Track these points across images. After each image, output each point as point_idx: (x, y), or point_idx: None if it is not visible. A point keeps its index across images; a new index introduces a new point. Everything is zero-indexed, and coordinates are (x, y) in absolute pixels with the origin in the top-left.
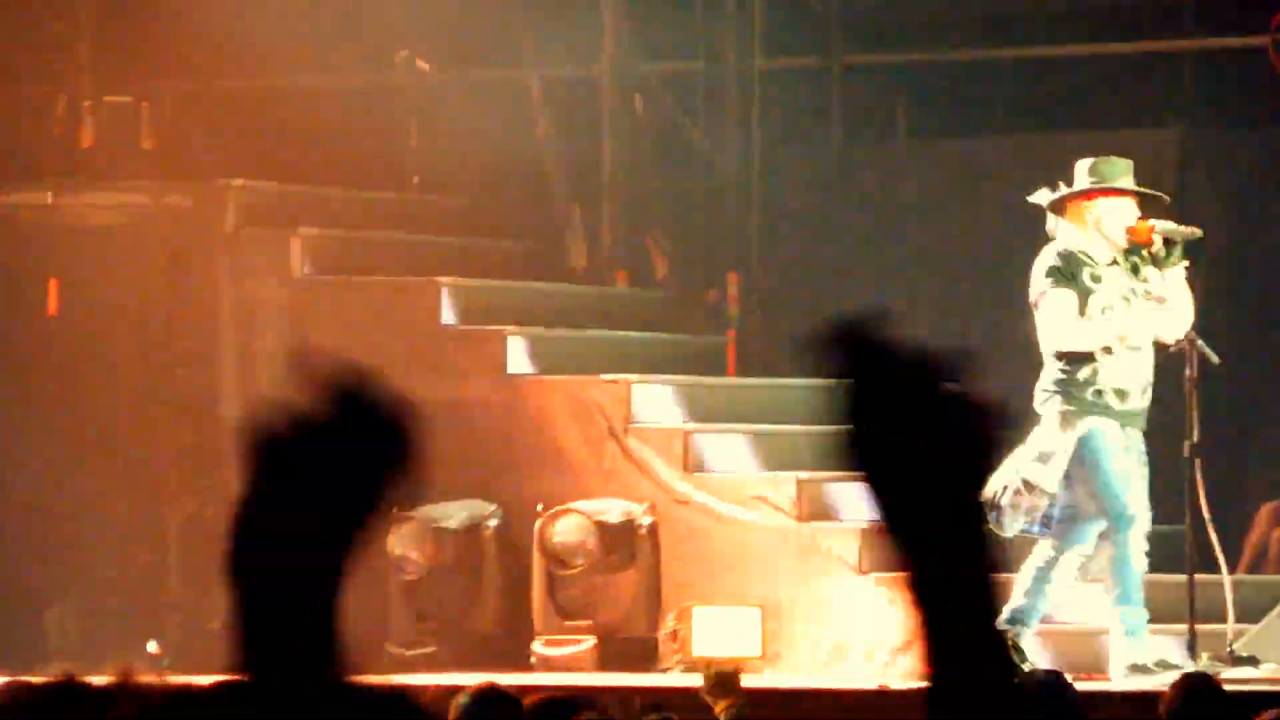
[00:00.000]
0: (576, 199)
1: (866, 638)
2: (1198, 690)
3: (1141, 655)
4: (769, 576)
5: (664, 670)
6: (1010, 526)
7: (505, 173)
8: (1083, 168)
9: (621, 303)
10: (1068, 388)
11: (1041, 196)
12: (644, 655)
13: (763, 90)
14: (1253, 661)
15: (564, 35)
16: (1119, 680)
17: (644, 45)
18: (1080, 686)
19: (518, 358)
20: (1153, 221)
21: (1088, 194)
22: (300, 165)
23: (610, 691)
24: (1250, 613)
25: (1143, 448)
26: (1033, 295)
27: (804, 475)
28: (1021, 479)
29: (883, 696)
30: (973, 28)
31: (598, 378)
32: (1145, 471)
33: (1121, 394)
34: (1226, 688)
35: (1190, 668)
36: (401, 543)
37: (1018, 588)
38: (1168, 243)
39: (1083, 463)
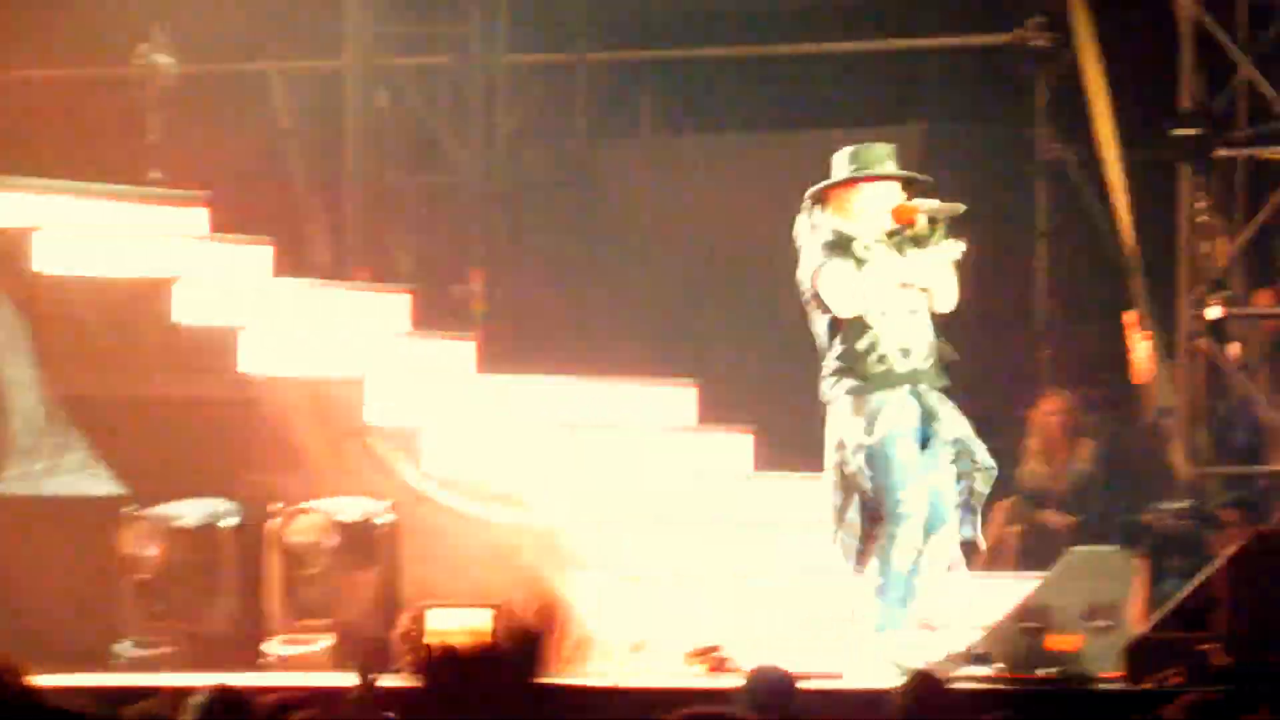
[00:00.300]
0: (319, 194)
1: (607, 635)
2: (924, 689)
3: (887, 653)
4: (510, 574)
5: (396, 671)
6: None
7: (247, 168)
8: (842, 156)
9: (363, 300)
10: (852, 362)
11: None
12: (379, 656)
13: (507, 86)
14: (984, 660)
15: (307, 29)
16: (853, 678)
17: (388, 40)
18: (816, 685)
19: (256, 355)
20: (916, 201)
21: (850, 182)
22: (36, 159)
23: (347, 691)
24: (986, 611)
25: (950, 407)
26: (806, 281)
27: (545, 473)
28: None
29: (618, 693)
30: (717, 25)
31: (337, 375)
32: (956, 431)
33: (905, 352)
34: (958, 686)
35: (921, 665)
36: (135, 541)
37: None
38: (931, 221)
39: (873, 449)
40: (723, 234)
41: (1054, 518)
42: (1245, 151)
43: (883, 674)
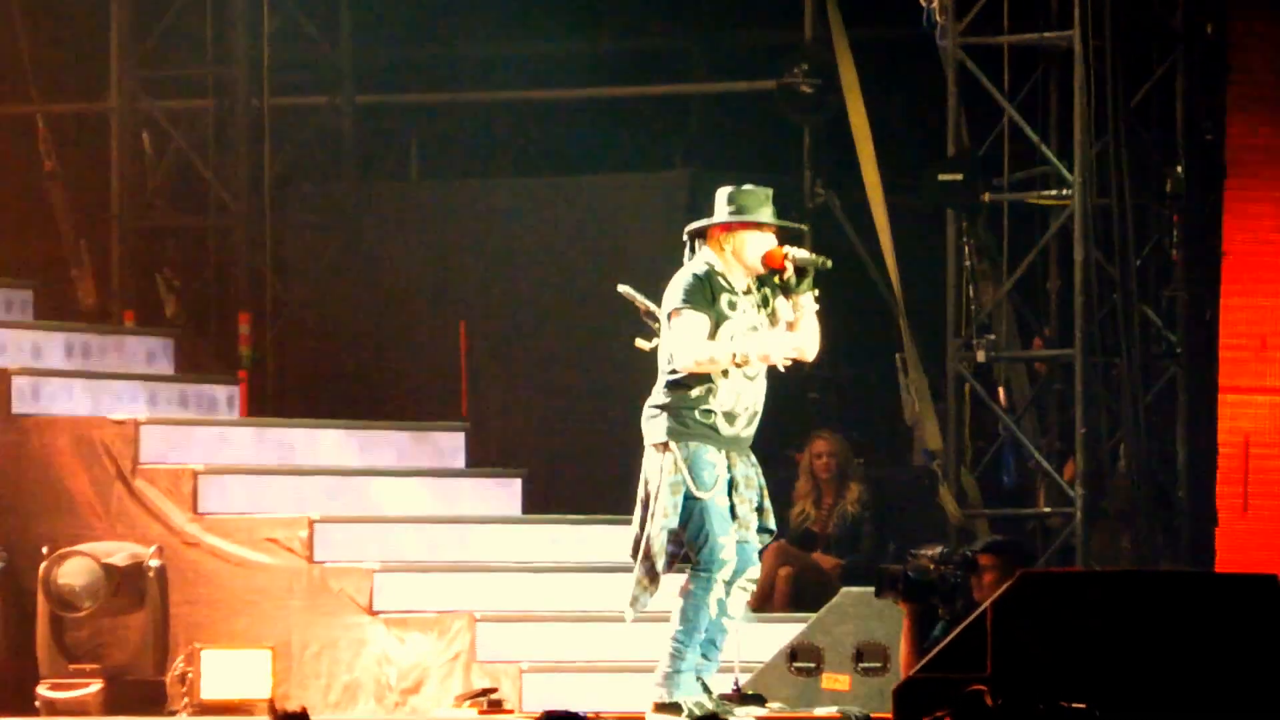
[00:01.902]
0: (84, 236)
1: (376, 678)
2: None
3: (676, 694)
4: (281, 617)
5: (172, 713)
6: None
7: (11, 210)
8: (722, 196)
9: (130, 342)
10: (678, 406)
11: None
12: (152, 698)
13: (273, 128)
14: (758, 700)
15: (72, 71)
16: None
17: (154, 82)
18: None
19: (23, 398)
20: (787, 249)
21: (727, 225)
22: None
23: None
24: (757, 651)
25: (756, 474)
26: (665, 309)
27: (315, 516)
28: (660, 529)
29: None
30: (487, 70)
31: (105, 418)
32: (755, 496)
33: (730, 418)
34: None
35: (707, 708)
36: None
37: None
38: (799, 271)
39: (691, 497)
40: (492, 278)
41: (823, 559)
42: (1010, 196)
43: (671, 714)
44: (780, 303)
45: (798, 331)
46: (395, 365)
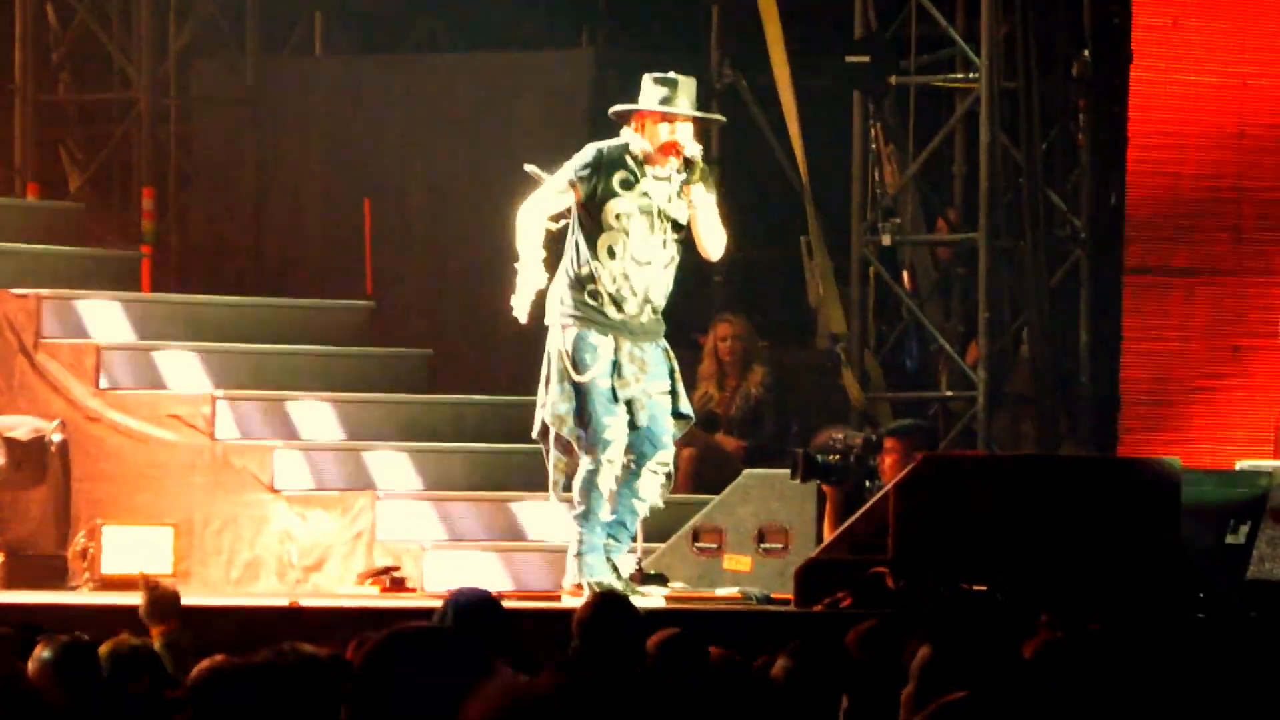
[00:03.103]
0: None
1: (279, 555)
2: (607, 608)
3: (584, 575)
4: (183, 494)
5: (73, 588)
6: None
7: None
8: (647, 82)
9: (33, 215)
10: (568, 288)
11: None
12: (53, 573)
13: (178, 2)
14: (661, 580)
15: None
16: (565, 599)
17: None
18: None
19: None
20: (681, 140)
21: (642, 113)
22: None
23: (15, 610)
24: (659, 533)
25: (660, 360)
26: None
27: (219, 393)
28: (551, 414)
29: (294, 613)
30: None
31: (7, 291)
32: (663, 386)
33: (617, 302)
34: (640, 605)
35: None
36: None
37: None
38: (687, 163)
39: (576, 383)
40: (396, 154)
41: (726, 441)
42: (917, 79)
43: (581, 594)
44: (697, 196)
45: (696, 230)
46: (299, 241)
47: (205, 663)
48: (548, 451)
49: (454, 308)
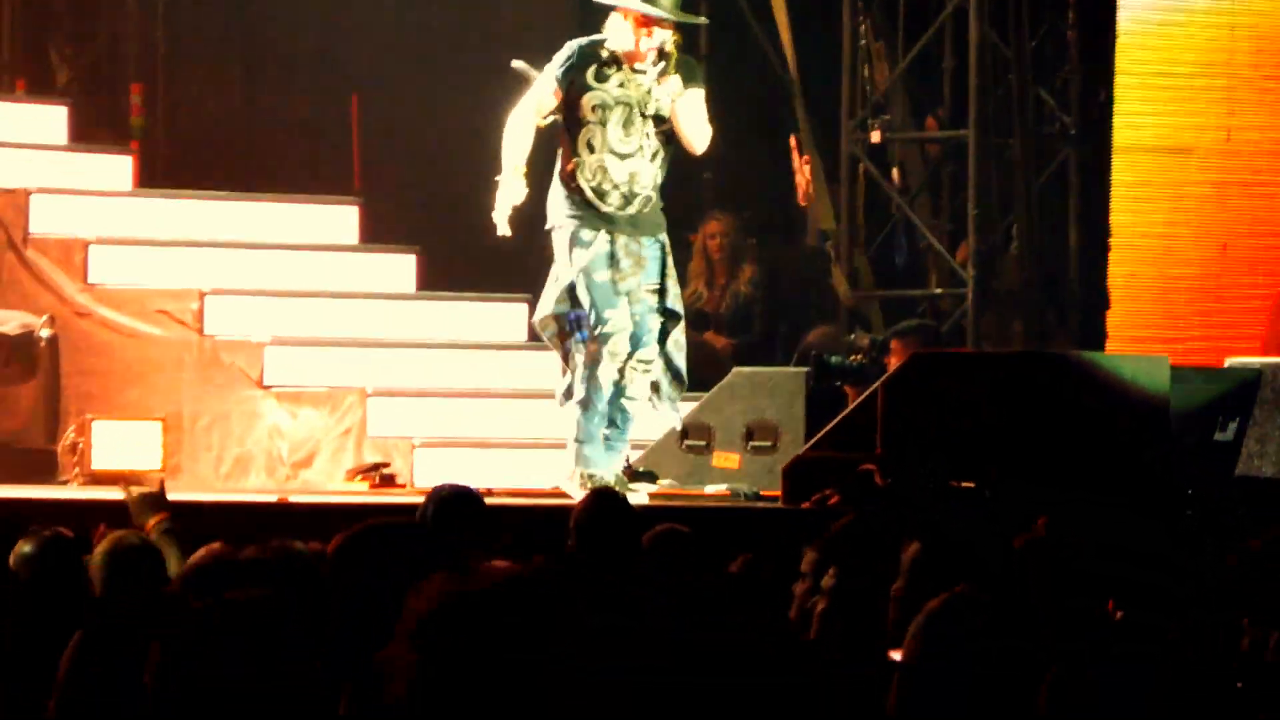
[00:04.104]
0: None
1: (268, 451)
2: (602, 504)
3: (582, 467)
4: (172, 390)
5: (63, 483)
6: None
7: None
8: None
9: (21, 112)
10: (559, 188)
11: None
12: (42, 467)
13: None
14: (650, 477)
15: None
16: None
17: None
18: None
19: None
20: (659, 33)
21: (622, 10)
22: None
23: (4, 505)
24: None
25: (652, 254)
26: None
27: (206, 288)
28: (541, 314)
29: (283, 509)
30: None
31: None
32: (652, 283)
33: (600, 194)
34: (633, 502)
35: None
36: None
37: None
38: (662, 54)
39: (573, 280)
40: (385, 49)
41: (715, 339)
42: None
43: (577, 489)
44: (660, 90)
45: (677, 124)
46: (287, 136)
47: (203, 551)
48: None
49: (443, 206)
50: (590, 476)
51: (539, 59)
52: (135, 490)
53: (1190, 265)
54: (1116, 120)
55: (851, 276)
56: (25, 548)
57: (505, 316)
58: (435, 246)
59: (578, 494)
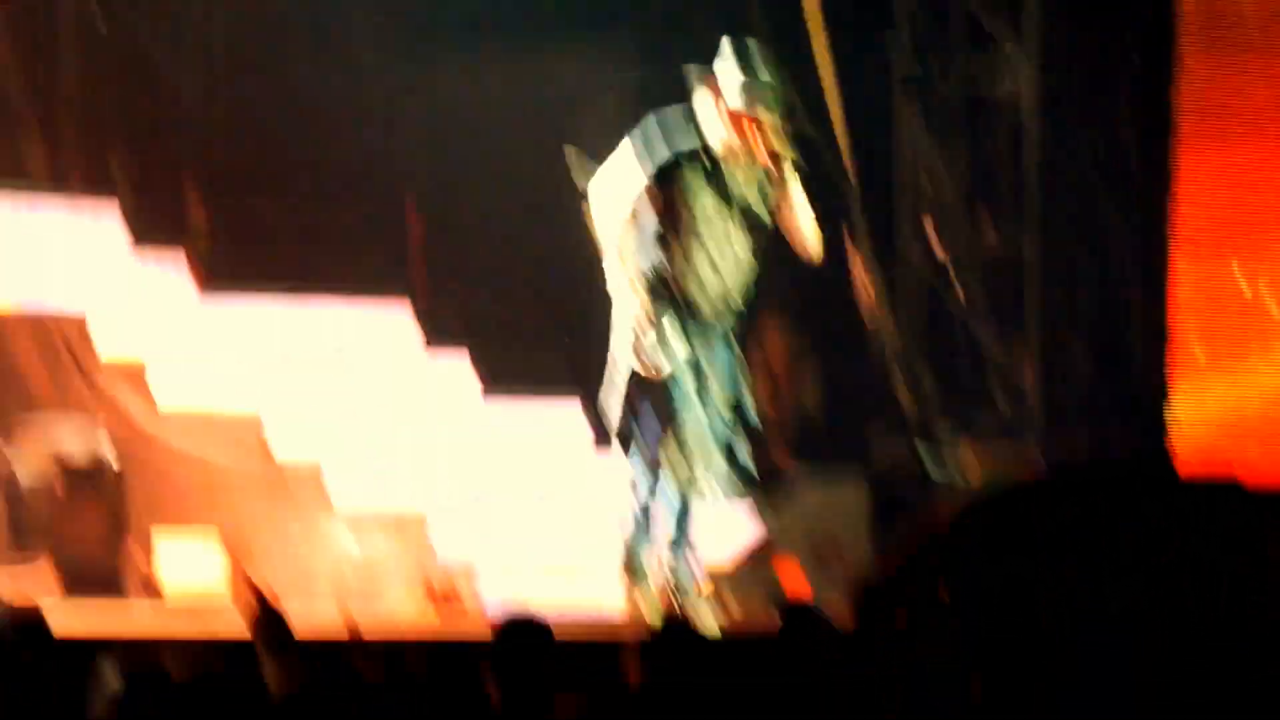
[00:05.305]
0: (35, 104)
1: (334, 573)
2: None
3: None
4: (236, 508)
5: (131, 602)
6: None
7: None
8: (727, 51)
9: (78, 218)
10: (650, 282)
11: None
12: (108, 584)
13: (226, 11)
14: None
15: None
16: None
17: None
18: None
19: None
20: (772, 132)
21: (717, 88)
22: None
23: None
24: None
25: (729, 360)
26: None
27: (269, 408)
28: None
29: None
30: None
31: (59, 308)
32: (729, 387)
33: (692, 299)
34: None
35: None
36: None
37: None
38: (774, 157)
39: (648, 364)
40: (441, 145)
41: (777, 450)
42: (964, 84)
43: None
44: (769, 190)
45: (781, 219)
46: (344, 235)
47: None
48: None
49: (501, 303)
50: (675, 589)
51: (592, 139)
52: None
53: None
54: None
55: (914, 385)
56: (107, 685)
57: (564, 413)
58: (492, 343)
59: (649, 610)
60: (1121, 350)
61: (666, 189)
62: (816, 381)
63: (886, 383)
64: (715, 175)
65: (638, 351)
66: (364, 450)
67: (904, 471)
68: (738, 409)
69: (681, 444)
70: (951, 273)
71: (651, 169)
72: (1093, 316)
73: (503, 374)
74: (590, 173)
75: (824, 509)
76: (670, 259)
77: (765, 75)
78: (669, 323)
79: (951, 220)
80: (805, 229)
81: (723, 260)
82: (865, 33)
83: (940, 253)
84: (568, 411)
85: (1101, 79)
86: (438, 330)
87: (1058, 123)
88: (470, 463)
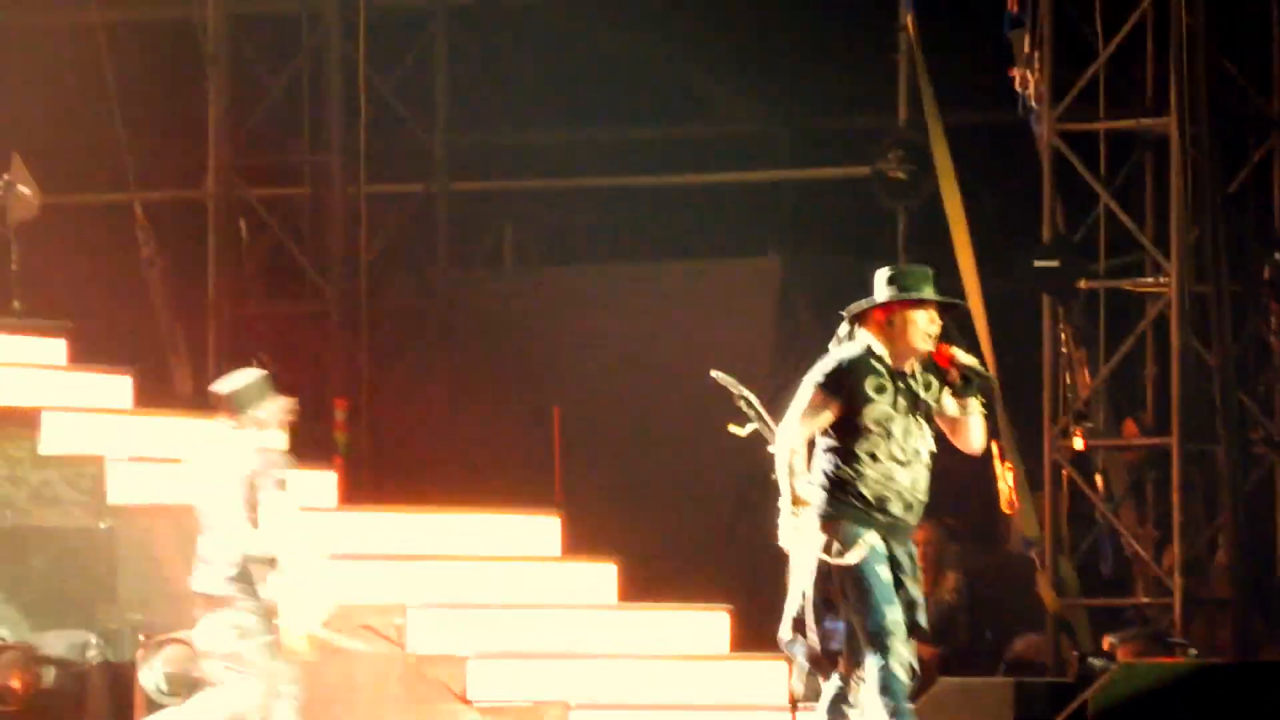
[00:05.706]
0: (181, 323)
1: None
2: None
3: None
4: (377, 705)
5: None
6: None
7: (109, 297)
8: (882, 277)
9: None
10: (831, 488)
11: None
12: None
13: (368, 215)
14: None
15: (169, 158)
16: None
17: (250, 170)
18: None
19: (121, 485)
20: (955, 352)
21: (888, 306)
22: None
23: None
24: None
25: (910, 560)
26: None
27: (411, 604)
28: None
29: None
30: (579, 157)
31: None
32: (914, 582)
33: (882, 504)
34: None
35: None
36: (1, 672)
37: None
38: (964, 379)
39: (848, 572)
40: (584, 364)
41: (921, 649)
42: (1107, 284)
43: None
44: (947, 399)
45: (958, 429)
46: (489, 450)
47: None
48: (793, 661)
49: (643, 517)
50: None
51: (733, 367)
52: None
53: None
54: None
55: (1057, 584)
56: None
57: (707, 626)
58: (636, 556)
59: None
60: (1268, 550)
61: (847, 399)
62: (959, 577)
63: (1029, 578)
64: (887, 379)
65: (827, 551)
66: (502, 644)
67: (1102, 662)
68: (911, 605)
69: (888, 635)
70: (1095, 465)
71: (826, 381)
72: (1238, 514)
73: (640, 585)
74: (738, 391)
75: (966, 704)
76: (853, 461)
77: (921, 280)
78: (855, 520)
79: (1095, 416)
80: (972, 432)
81: (908, 459)
82: (1010, 236)
83: (1083, 446)
84: (709, 622)
85: (1245, 274)
86: (579, 540)
87: (1199, 319)
88: (609, 665)
